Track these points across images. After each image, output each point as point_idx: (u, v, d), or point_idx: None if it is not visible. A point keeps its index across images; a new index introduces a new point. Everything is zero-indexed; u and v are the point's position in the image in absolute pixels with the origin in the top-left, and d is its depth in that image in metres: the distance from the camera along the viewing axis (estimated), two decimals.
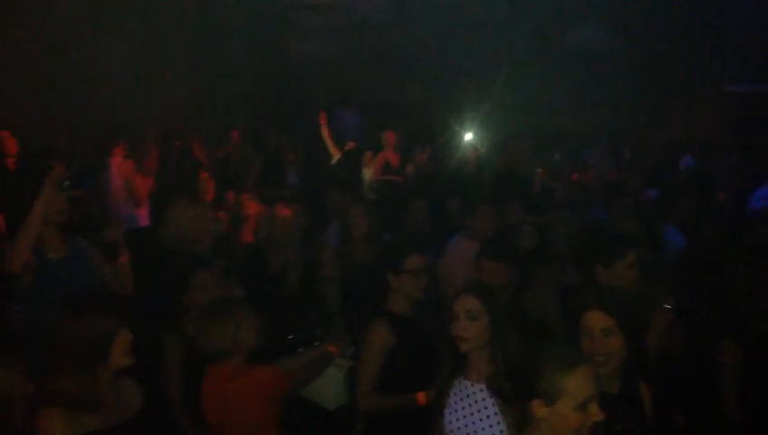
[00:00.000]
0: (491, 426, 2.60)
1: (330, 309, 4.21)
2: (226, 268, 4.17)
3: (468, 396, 2.68)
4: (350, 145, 8.28)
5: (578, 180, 7.22)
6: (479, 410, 2.65)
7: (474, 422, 2.64)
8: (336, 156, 7.99)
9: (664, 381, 2.91)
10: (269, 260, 4.24)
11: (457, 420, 2.68)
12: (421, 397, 3.10)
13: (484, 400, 2.65)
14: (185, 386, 3.29)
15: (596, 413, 2.05)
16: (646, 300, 3.22)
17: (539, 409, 2.05)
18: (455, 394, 2.72)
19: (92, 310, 2.38)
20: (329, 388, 3.52)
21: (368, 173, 7.82)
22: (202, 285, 3.45)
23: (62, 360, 2.33)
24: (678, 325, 3.30)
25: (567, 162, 7.96)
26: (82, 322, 2.35)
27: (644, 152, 8.24)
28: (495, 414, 2.61)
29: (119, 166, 5.60)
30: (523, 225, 4.71)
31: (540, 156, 7.14)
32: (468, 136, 7.85)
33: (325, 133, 8.14)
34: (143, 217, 5.58)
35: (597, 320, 2.49)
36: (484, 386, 2.65)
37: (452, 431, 2.68)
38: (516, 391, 2.17)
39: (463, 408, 2.68)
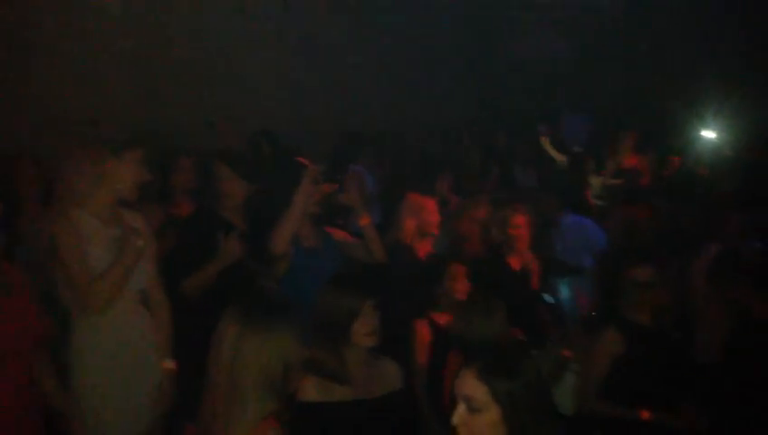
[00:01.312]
0: None
1: (564, 313, 4.14)
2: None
3: None
4: (577, 150, 8.06)
5: None
6: None
7: None
8: (561, 160, 7.81)
9: None
10: (509, 260, 4.28)
11: None
12: (645, 413, 3.06)
13: None
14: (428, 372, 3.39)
15: None
16: None
17: None
18: None
19: (337, 291, 2.60)
20: (565, 392, 3.45)
21: (595, 179, 7.55)
22: (452, 277, 3.60)
23: (315, 332, 2.57)
24: None
25: None
26: (330, 299, 2.60)
27: None
28: None
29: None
30: None
31: None
32: (712, 136, 7.31)
33: (545, 142, 8.02)
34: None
35: None
36: None
37: None
38: None
39: None
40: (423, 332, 3.52)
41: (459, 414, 1.98)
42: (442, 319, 3.56)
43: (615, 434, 3.22)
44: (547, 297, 4.41)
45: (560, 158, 7.93)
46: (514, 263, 4.29)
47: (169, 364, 3.13)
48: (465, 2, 9.01)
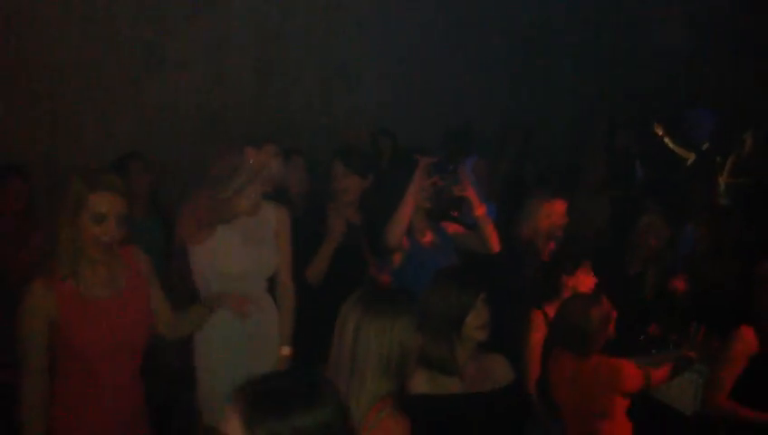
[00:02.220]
0: None
1: (686, 314, 3.99)
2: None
3: None
4: (705, 147, 7.71)
5: None
6: None
7: None
8: (690, 158, 7.50)
9: None
10: (629, 260, 4.18)
11: None
12: None
13: None
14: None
15: None
16: None
17: None
18: None
19: (452, 284, 2.62)
20: (687, 393, 3.37)
21: (721, 177, 7.21)
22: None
23: (426, 326, 2.51)
24: None
25: None
26: (444, 292, 2.62)
27: None
28: None
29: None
30: None
31: None
32: None
33: (668, 139, 7.71)
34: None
35: None
36: None
37: None
38: None
39: None
40: (539, 324, 3.50)
41: None
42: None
43: None
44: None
45: (686, 155, 7.62)
46: (635, 266, 4.19)
47: (286, 351, 3.27)
48: None
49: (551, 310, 3.42)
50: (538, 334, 3.49)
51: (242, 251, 3.12)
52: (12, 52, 5.11)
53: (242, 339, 3.12)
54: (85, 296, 2.53)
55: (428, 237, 3.72)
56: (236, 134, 5.86)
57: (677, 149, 7.63)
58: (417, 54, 7.30)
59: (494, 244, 3.76)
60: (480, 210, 3.72)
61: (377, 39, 7.02)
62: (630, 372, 3.00)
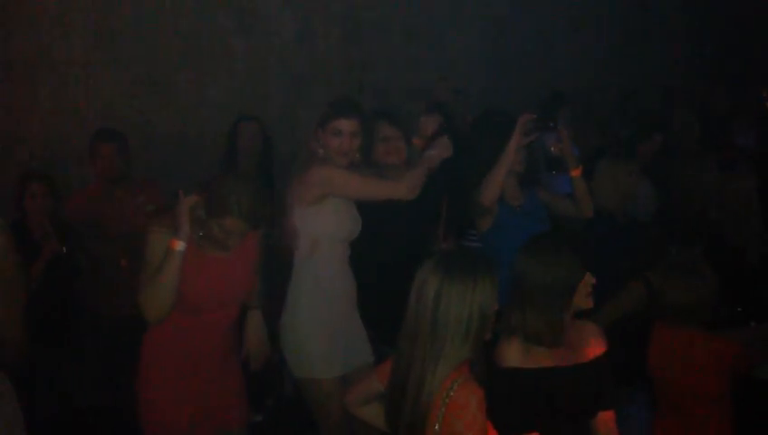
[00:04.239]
0: None
1: None
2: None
3: None
4: None
5: None
6: None
7: None
8: None
9: None
10: (727, 233, 3.97)
11: None
12: None
13: None
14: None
15: None
16: None
17: None
18: None
19: (562, 252, 2.49)
20: None
21: None
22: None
23: (529, 297, 2.48)
24: None
25: None
26: (553, 263, 2.47)
27: None
28: None
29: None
30: None
31: None
32: None
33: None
34: None
35: None
36: None
37: None
38: None
39: None
40: (640, 290, 3.39)
41: None
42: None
43: None
44: None
45: None
46: (728, 237, 3.96)
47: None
48: None
49: (654, 279, 3.30)
50: (628, 303, 3.41)
51: (350, 215, 3.26)
52: (108, 20, 5.28)
53: (334, 300, 3.24)
54: (200, 252, 2.79)
55: (520, 201, 3.67)
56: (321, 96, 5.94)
57: None
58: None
59: (590, 208, 3.68)
60: (577, 171, 3.64)
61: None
62: (735, 353, 2.87)
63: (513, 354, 2.48)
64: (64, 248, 3.97)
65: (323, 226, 3.18)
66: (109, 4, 5.29)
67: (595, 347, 2.58)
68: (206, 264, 2.81)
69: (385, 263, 3.47)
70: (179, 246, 2.67)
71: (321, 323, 3.19)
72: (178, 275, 2.67)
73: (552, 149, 3.71)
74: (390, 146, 3.61)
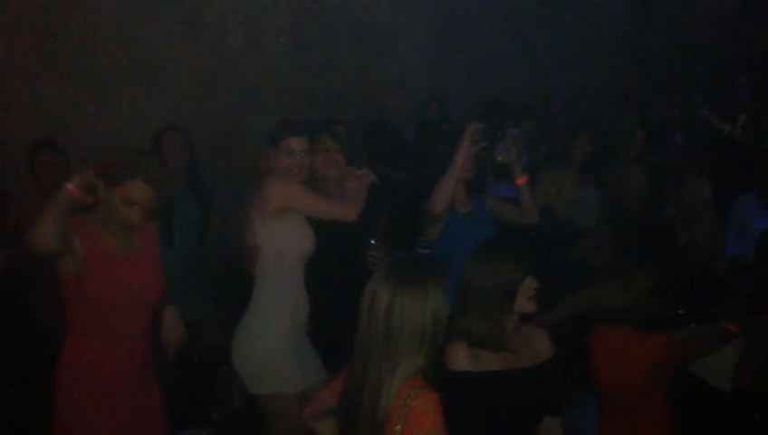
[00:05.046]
0: None
1: (729, 287, 3.93)
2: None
3: None
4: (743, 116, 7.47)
5: None
6: None
7: None
8: (725, 128, 7.29)
9: None
10: (676, 234, 4.09)
11: None
12: None
13: None
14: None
15: None
16: None
17: None
18: None
19: (504, 256, 2.54)
20: (726, 369, 3.31)
21: None
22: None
23: (473, 301, 2.52)
24: None
25: None
26: (492, 267, 2.52)
27: None
28: None
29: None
30: None
31: None
32: None
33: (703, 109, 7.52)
34: None
35: None
36: None
37: None
38: None
39: None
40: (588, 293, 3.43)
41: None
42: None
43: None
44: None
45: (723, 126, 7.40)
46: (683, 236, 4.10)
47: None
48: None
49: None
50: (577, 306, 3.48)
51: (309, 231, 3.28)
52: (55, 27, 5.18)
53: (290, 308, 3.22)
54: (107, 250, 2.73)
55: (468, 208, 3.72)
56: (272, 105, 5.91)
57: (715, 120, 7.42)
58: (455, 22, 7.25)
59: (535, 215, 3.77)
60: (522, 179, 3.73)
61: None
62: (668, 348, 2.92)
63: (461, 359, 2.51)
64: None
65: (287, 239, 3.17)
66: (55, 12, 5.19)
67: (543, 352, 2.62)
68: (113, 261, 2.74)
69: (326, 278, 3.43)
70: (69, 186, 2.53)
71: (286, 338, 3.16)
72: (62, 216, 2.51)
73: (499, 157, 3.77)
74: (329, 158, 3.59)
